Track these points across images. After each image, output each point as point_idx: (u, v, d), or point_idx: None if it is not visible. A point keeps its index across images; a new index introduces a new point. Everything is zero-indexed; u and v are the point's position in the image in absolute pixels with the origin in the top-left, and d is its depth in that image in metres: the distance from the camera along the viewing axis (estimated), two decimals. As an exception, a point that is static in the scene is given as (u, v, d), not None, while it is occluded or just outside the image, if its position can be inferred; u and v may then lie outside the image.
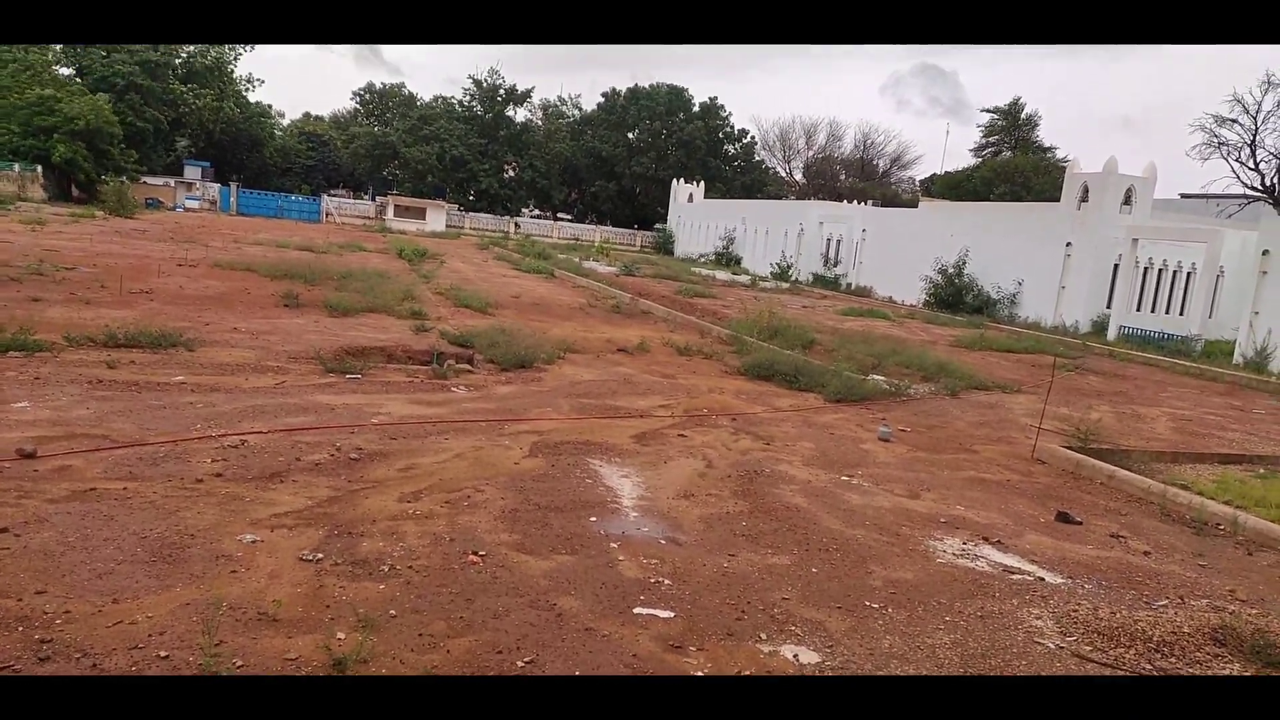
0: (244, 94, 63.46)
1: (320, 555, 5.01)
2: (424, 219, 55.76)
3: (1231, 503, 7.81)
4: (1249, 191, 41.05)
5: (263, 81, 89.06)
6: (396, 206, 56.97)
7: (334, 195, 65.41)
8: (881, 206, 53.01)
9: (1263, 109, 39.27)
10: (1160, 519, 7.61)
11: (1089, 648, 4.84)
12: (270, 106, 72.28)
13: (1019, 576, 5.87)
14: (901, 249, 35.76)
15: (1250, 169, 40.61)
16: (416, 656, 4.02)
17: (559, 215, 71.68)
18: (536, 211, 72.59)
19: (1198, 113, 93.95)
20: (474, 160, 63.14)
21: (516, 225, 62.22)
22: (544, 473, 7.10)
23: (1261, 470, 9.62)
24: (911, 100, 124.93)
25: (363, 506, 5.90)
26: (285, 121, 77.23)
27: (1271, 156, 40.28)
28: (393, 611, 4.42)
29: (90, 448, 6.55)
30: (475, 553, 5.28)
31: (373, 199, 64.03)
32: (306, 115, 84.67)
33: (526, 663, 4.06)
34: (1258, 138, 39.94)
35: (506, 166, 66.33)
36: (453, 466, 7.03)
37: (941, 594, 5.41)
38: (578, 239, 60.64)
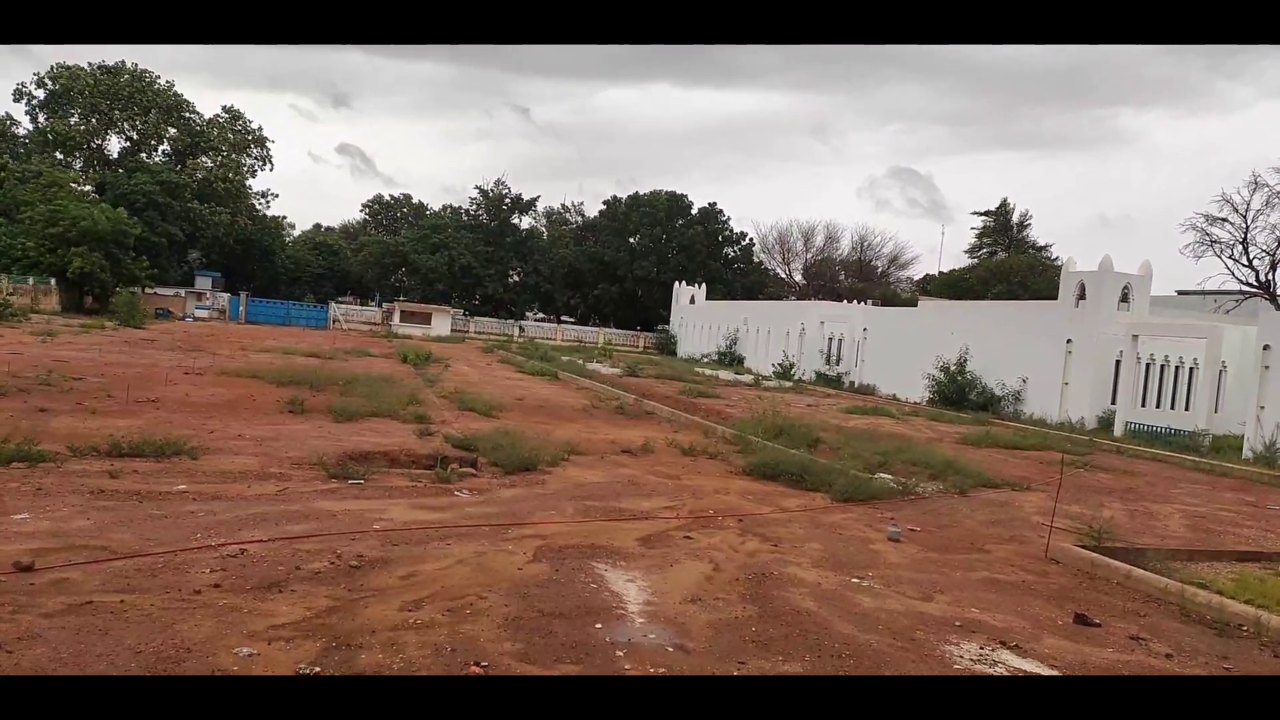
0: (258, 208, 65.42)
1: (318, 669, 4.87)
2: (429, 324, 56.51)
3: (1253, 602, 7.59)
4: (1245, 287, 41.57)
5: (278, 195, 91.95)
6: (402, 312, 57.83)
7: (341, 302, 66.51)
8: (881, 306, 53.69)
9: (1251, 208, 40.19)
10: (1180, 620, 7.40)
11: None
12: (284, 218, 74.38)
13: (1039, 683, 5.67)
14: (903, 347, 36.01)
15: (1244, 266, 41.24)
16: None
17: (562, 318, 72.61)
18: (540, 315, 73.59)
19: (1186, 212, 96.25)
20: (480, 267, 64.44)
21: (520, 329, 62.98)
22: (548, 578, 6.97)
23: (1281, 567, 9.41)
24: (891, 201, 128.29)
25: (362, 617, 5.78)
26: (296, 232, 79.26)
27: (1264, 253, 40.97)
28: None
29: (88, 560, 6.46)
30: (477, 663, 5.13)
31: (379, 305, 65.06)
32: (317, 226, 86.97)
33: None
34: (1249, 235, 40.71)
35: (511, 272, 67.65)
36: (455, 573, 6.91)
37: (959, 702, 5.22)
38: (581, 341, 61.25)
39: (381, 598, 6.19)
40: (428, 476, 10.84)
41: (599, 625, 5.99)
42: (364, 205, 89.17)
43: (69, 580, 6.00)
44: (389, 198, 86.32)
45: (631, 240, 67.17)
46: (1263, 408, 21.94)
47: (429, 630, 5.62)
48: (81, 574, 6.14)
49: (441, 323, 57.40)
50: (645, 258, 65.67)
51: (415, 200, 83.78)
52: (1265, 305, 38.65)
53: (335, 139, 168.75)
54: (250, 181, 63.78)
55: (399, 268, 67.49)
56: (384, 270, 68.58)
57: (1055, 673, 5.87)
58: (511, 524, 8.71)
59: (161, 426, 12.05)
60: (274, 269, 66.51)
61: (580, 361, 37.73)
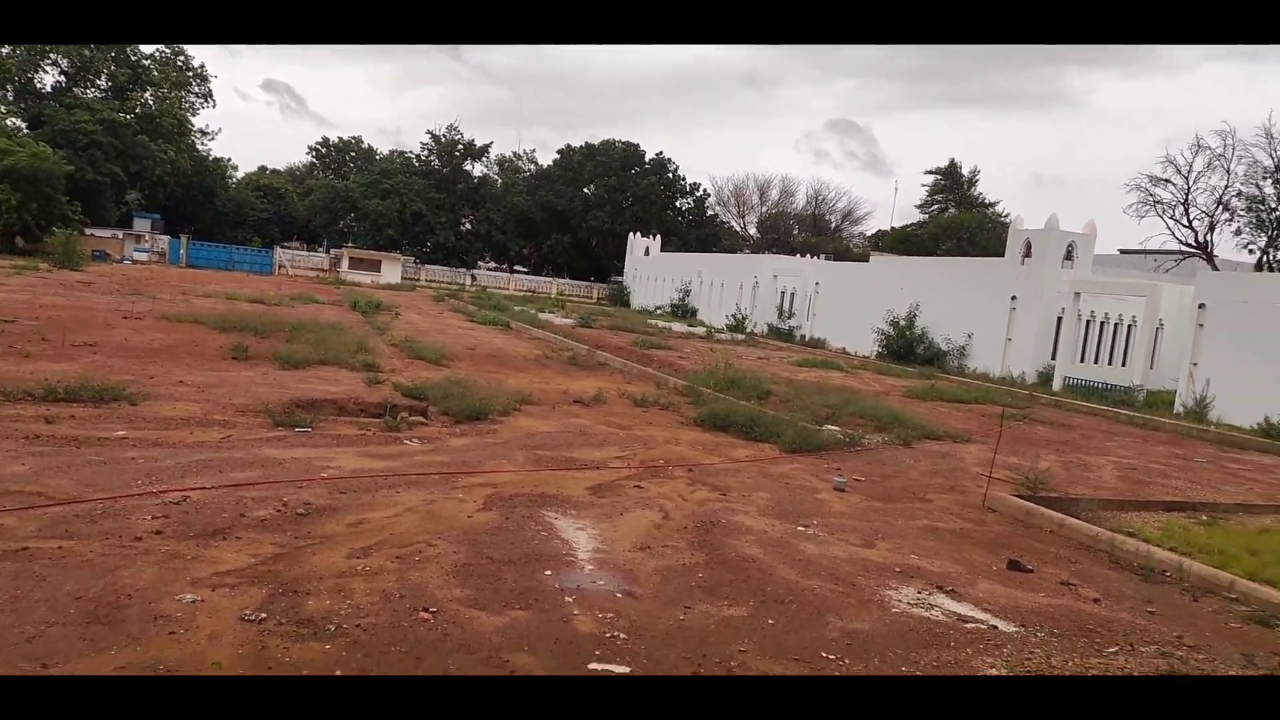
0: (198, 146, 63.13)
1: (264, 615, 4.85)
2: (379, 271, 55.46)
3: (1177, 550, 7.95)
4: (1184, 247, 42.71)
5: (220, 130, 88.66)
6: (351, 259, 56.63)
7: (287, 248, 64.83)
8: (833, 260, 54.06)
9: (1194, 169, 41.11)
10: (1109, 566, 7.72)
11: (1043, 696, 4.84)
12: (228, 160, 71.79)
13: (973, 625, 5.89)
14: (854, 302, 36.41)
15: (1184, 226, 42.32)
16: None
17: (515, 268, 71.86)
18: (493, 264, 72.72)
19: (1131, 172, 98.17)
20: (431, 213, 63.26)
21: (473, 278, 62.23)
22: (498, 526, 7.00)
23: (1204, 517, 9.84)
24: (829, 152, 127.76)
25: (309, 564, 5.74)
26: (239, 174, 76.70)
27: (1204, 214, 42.06)
28: (338, 672, 4.28)
29: (24, 505, 6.30)
30: (426, 609, 5.15)
31: (327, 251, 63.61)
32: (262, 169, 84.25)
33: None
34: (1190, 197, 41.71)
35: (463, 220, 66.54)
36: (404, 521, 6.89)
37: (897, 645, 5.40)
38: (534, 291, 60.76)
39: (329, 545, 6.15)
40: (377, 425, 10.74)
41: (548, 572, 6.04)
42: (310, 148, 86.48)
43: (3, 526, 5.85)
44: (337, 140, 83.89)
45: (586, 190, 66.41)
46: (1195, 364, 22.72)
47: (377, 577, 5.62)
48: (16, 520, 5.99)
49: (392, 270, 56.37)
50: (600, 208, 65.07)
51: (366, 144, 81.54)
52: (1203, 265, 39.82)
53: (259, 74, 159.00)
54: (193, 119, 61.53)
55: (348, 213, 65.84)
56: (332, 215, 66.87)
57: (987, 615, 6.10)
58: (461, 472, 8.70)
59: (99, 371, 11.72)
60: (216, 212, 64.40)
61: (533, 311, 37.48)
